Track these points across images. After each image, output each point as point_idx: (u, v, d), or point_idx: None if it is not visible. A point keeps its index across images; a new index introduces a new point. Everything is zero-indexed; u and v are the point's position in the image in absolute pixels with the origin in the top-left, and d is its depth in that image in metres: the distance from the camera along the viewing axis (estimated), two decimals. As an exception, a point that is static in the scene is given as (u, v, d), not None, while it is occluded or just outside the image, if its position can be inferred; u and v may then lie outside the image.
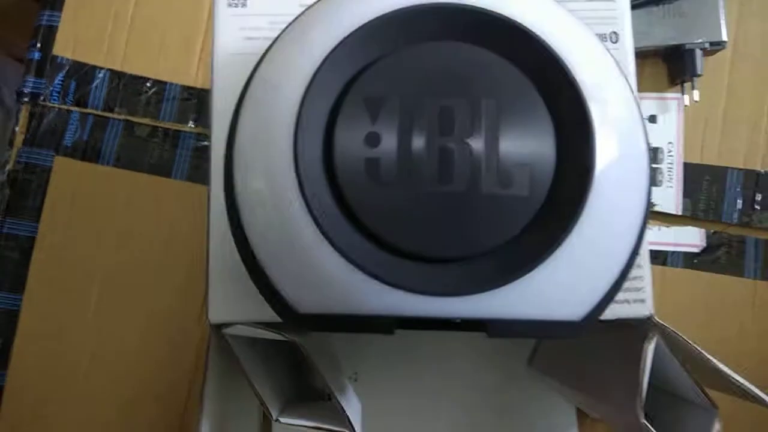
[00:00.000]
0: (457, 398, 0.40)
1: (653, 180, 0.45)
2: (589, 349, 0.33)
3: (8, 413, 0.43)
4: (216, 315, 0.27)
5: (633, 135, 0.23)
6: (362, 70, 0.23)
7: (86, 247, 0.44)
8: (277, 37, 0.25)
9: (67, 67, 0.46)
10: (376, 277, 0.21)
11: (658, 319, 0.28)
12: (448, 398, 0.40)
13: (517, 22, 0.22)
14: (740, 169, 0.45)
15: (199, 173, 0.45)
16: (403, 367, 0.40)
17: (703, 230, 0.45)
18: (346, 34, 0.23)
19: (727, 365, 0.27)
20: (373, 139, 0.22)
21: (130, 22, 0.47)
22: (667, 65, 0.47)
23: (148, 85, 0.46)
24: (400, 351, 0.40)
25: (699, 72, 0.44)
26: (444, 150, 0.22)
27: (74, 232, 0.44)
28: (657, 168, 0.45)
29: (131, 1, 0.47)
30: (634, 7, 0.44)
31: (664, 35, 0.45)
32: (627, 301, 0.28)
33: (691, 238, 0.45)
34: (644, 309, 0.28)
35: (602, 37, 0.30)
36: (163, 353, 0.43)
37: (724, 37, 0.44)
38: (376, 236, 0.21)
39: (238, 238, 0.24)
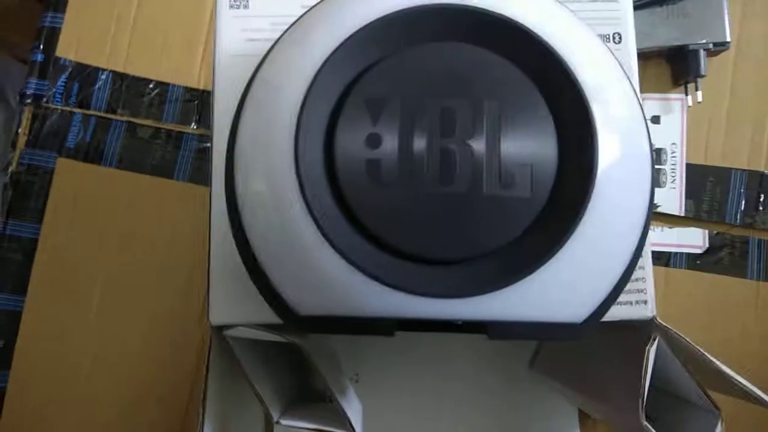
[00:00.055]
0: (458, 399, 0.40)
1: (656, 181, 0.45)
2: (591, 350, 0.33)
3: (10, 414, 0.43)
4: (217, 317, 0.27)
5: (635, 136, 0.23)
6: (363, 71, 0.23)
7: (88, 249, 0.44)
8: (279, 39, 0.25)
9: (70, 69, 0.46)
10: (376, 278, 0.21)
11: (660, 321, 0.27)
12: (449, 399, 0.40)
13: (518, 22, 0.22)
14: (744, 170, 0.45)
15: (201, 174, 0.45)
16: (404, 368, 0.40)
17: (706, 231, 0.45)
18: (347, 35, 0.23)
19: (729, 366, 0.27)
20: (374, 141, 0.22)
21: (132, 23, 0.47)
22: (670, 66, 0.47)
23: (151, 86, 0.46)
24: (402, 352, 0.40)
25: (702, 73, 0.44)
26: (445, 151, 0.22)
27: (77, 234, 0.44)
28: (660, 169, 0.45)
29: (134, 3, 0.47)
30: (637, 7, 0.44)
31: (667, 36, 0.45)
32: (629, 303, 0.27)
33: (694, 239, 0.44)
34: (646, 311, 0.28)
35: (605, 38, 0.30)
36: (165, 355, 0.43)
37: (728, 38, 0.44)
38: (376, 238, 0.21)
39: (239, 239, 0.24)
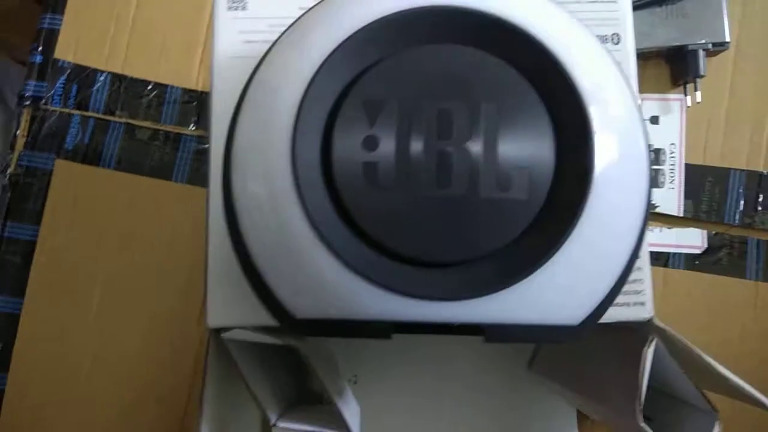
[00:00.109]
0: (457, 400, 0.40)
1: (655, 181, 0.45)
2: (589, 351, 0.33)
3: (9, 416, 0.43)
4: (214, 319, 0.27)
5: (633, 136, 0.23)
6: (361, 73, 0.23)
7: (87, 251, 0.44)
8: (276, 40, 0.25)
9: (69, 71, 0.46)
10: (373, 281, 0.21)
11: (658, 322, 0.27)
12: (448, 400, 0.40)
13: (515, 24, 0.22)
14: (743, 170, 0.45)
15: (200, 176, 0.45)
16: (402, 370, 0.40)
17: (704, 231, 0.45)
18: (345, 37, 0.23)
19: (728, 367, 0.27)
20: (371, 143, 0.22)
21: (131, 25, 0.47)
22: (669, 66, 0.46)
23: (149, 88, 0.46)
24: (400, 353, 0.40)
25: (702, 73, 0.44)
26: (442, 154, 0.21)
27: (75, 236, 0.44)
28: (659, 169, 0.45)
29: (132, 4, 0.47)
30: (636, 7, 0.44)
31: (666, 36, 0.45)
32: (627, 304, 0.27)
33: (692, 239, 0.44)
34: (644, 312, 0.28)
35: (604, 39, 0.30)
36: (164, 356, 0.43)
37: (727, 38, 0.44)
38: (373, 240, 0.21)
39: (236, 241, 0.23)
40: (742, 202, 0.45)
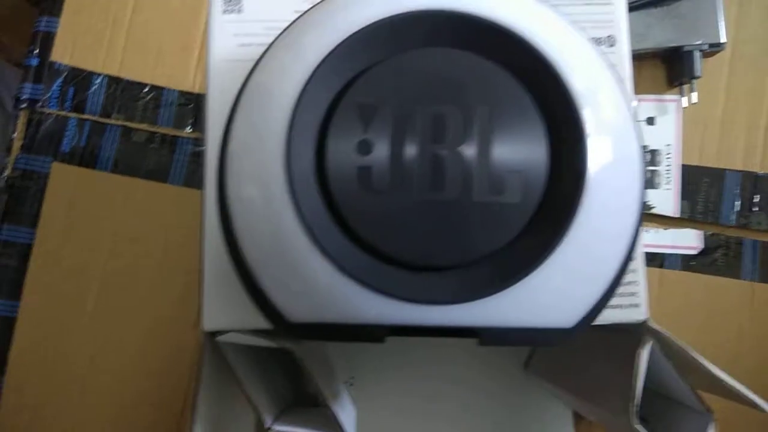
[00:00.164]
0: (453, 401, 0.40)
1: (651, 182, 0.45)
2: (585, 352, 0.33)
3: (6, 419, 0.43)
4: (210, 322, 0.27)
5: (626, 139, 0.23)
6: (355, 77, 0.23)
7: (84, 253, 0.44)
8: (272, 44, 0.25)
9: (65, 73, 0.46)
10: (367, 285, 0.21)
11: (652, 324, 0.27)
12: (444, 402, 0.40)
13: (509, 27, 0.22)
14: (738, 171, 0.45)
15: (196, 178, 0.45)
16: (399, 371, 0.40)
17: (700, 232, 0.45)
18: (339, 40, 0.23)
19: (724, 368, 0.27)
20: (365, 147, 0.22)
21: (127, 27, 0.47)
22: (665, 67, 0.47)
23: (146, 90, 0.46)
24: (397, 355, 0.40)
25: (697, 74, 0.44)
26: (436, 157, 0.22)
27: (72, 238, 0.44)
28: (655, 170, 0.45)
29: (129, 7, 0.47)
30: (632, 9, 0.44)
31: (662, 37, 0.45)
32: (621, 306, 0.28)
33: (688, 240, 0.44)
34: (639, 314, 0.28)
35: (599, 41, 0.30)
36: (161, 359, 0.43)
37: (723, 39, 0.44)
38: (368, 244, 0.21)
39: (230, 245, 0.24)
40: (737, 203, 0.45)
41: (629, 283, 0.28)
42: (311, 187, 0.21)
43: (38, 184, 0.45)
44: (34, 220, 0.44)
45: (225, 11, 0.30)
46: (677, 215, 0.45)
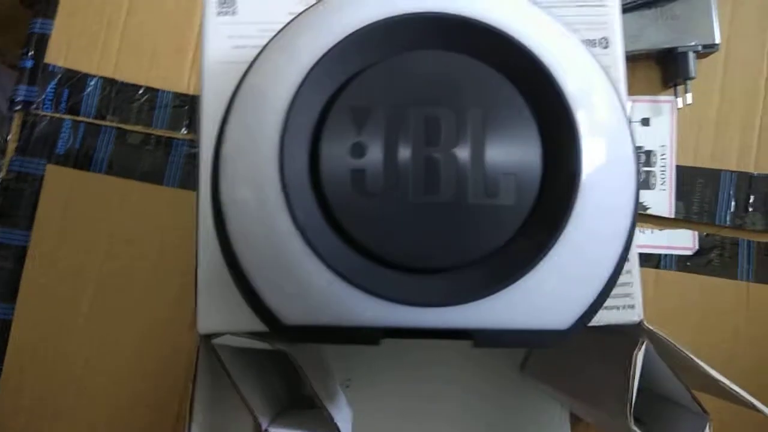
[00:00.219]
0: (450, 403, 0.40)
1: (646, 183, 0.45)
2: (581, 354, 0.33)
3: (2, 421, 0.43)
4: (205, 325, 0.27)
5: (619, 140, 0.23)
6: (348, 79, 0.23)
7: (79, 256, 0.44)
8: (266, 45, 0.25)
9: (60, 75, 0.46)
10: (362, 288, 0.21)
11: (648, 325, 0.27)
12: (441, 403, 0.40)
13: (502, 30, 0.22)
14: (733, 172, 0.45)
15: (191, 180, 0.45)
16: (396, 373, 0.40)
17: (696, 233, 0.45)
18: (333, 42, 0.23)
19: (720, 368, 0.27)
20: (358, 150, 0.22)
21: (122, 29, 0.47)
22: (660, 68, 0.47)
23: (141, 92, 0.46)
24: (393, 357, 0.40)
25: (692, 75, 0.44)
26: (430, 160, 0.22)
27: (67, 241, 0.44)
28: (650, 171, 0.45)
29: (123, 9, 0.47)
30: (627, 10, 0.44)
31: (657, 38, 0.45)
32: (616, 307, 0.28)
33: (684, 240, 0.45)
34: (634, 315, 0.28)
35: (592, 43, 0.30)
36: (157, 360, 0.43)
37: (717, 40, 0.45)
38: (362, 247, 0.21)
39: (224, 248, 0.23)
40: (732, 203, 0.45)
41: (624, 284, 0.28)
42: (305, 190, 0.21)
43: (33, 186, 0.45)
44: (29, 223, 0.44)
45: (219, 13, 0.30)
46: (672, 216, 0.45)
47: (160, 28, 0.46)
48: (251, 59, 0.25)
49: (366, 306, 0.21)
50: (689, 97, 0.45)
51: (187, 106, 0.46)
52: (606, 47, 0.30)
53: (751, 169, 0.45)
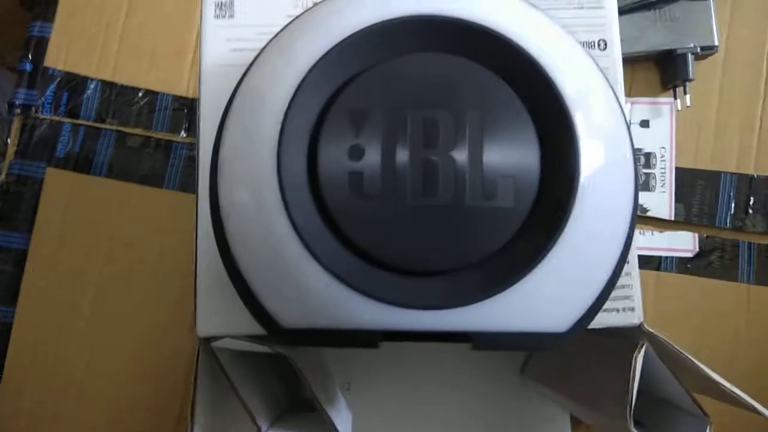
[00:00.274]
0: (450, 406, 0.40)
1: (646, 185, 0.45)
2: (581, 356, 0.33)
3: (2, 424, 0.43)
4: (204, 328, 0.27)
5: (618, 142, 0.23)
6: (346, 82, 0.23)
7: (79, 259, 0.44)
8: (264, 48, 0.25)
9: (59, 79, 0.46)
10: (360, 290, 0.21)
11: (648, 327, 0.27)
12: (441, 406, 0.40)
13: (499, 32, 0.22)
14: (733, 173, 0.45)
15: (191, 183, 0.45)
16: (396, 376, 0.40)
17: (696, 235, 0.45)
18: (331, 45, 0.23)
19: (720, 370, 0.27)
20: (356, 152, 0.22)
21: (121, 32, 0.47)
22: (659, 70, 0.47)
23: (140, 95, 0.46)
24: (394, 360, 0.40)
25: (691, 76, 0.44)
26: (428, 163, 0.22)
27: (67, 244, 0.44)
28: (650, 173, 0.45)
29: (122, 12, 0.47)
30: (626, 12, 0.44)
31: (656, 40, 0.45)
32: (616, 310, 0.27)
33: (684, 242, 0.45)
34: (633, 317, 0.28)
35: (590, 45, 0.30)
36: (157, 364, 0.43)
37: (716, 42, 0.45)
38: (360, 250, 0.21)
39: (223, 250, 0.23)
40: (733, 205, 0.45)
41: (624, 286, 0.28)
42: (303, 192, 0.21)
43: (33, 189, 0.45)
44: (28, 226, 0.44)
45: (217, 16, 0.30)
46: (672, 218, 0.45)
47: (159, 31, 0.46)
48: (249, 62, 0.25)
49: (364, 309, 0.21)
50: (688, 98, 0.45)
51: (187, 109, 0.46)
52: (604, 49, 0.30)
53: (751, 170, 0.45)
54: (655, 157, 0.45)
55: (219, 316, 0.27)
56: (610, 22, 0.30)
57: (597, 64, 0.24)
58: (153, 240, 0.44)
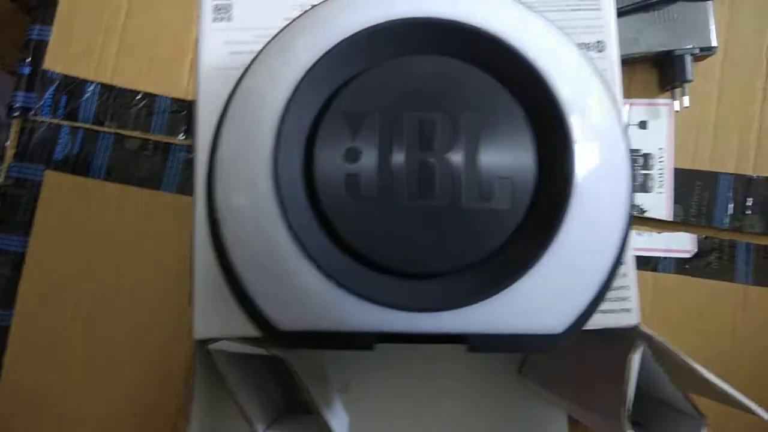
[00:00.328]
0: (448, 405, 0.40)
1: (644, 186, 0.45)
2: (577, 357, 0.33)
3: (0, 427, 0.43)
4: (201, 330, 0.27)
5: (613, 145, 0.23)
6: (343, 84, 0.23)
7: (77, 261, 0.44)
8: (260, 51, 0.25)
9: (58, 81, 0.46)
10: (356, 293, 0.21)
11: (644, 328, 0.27)
12: (439, 407, 0.40)
13: (495, 34, 0.22)
14: (731, 174, 0.45)
15: (189, 185, 0.45)
16: (394, 376, 0.40)
17: (694, 236, 0.45)
18: (327, 48, 0.23)
19: (718, 371, 0.27)
20: (352, 155, 0.22)
21: (120, 35, 0.47)
22: (657, 71, 0.47)
23: (139, 97, 0.46)
24: (392, 361, 0.40)
25: (689, 77, 0.44)
26: (424, 164, 0.22)
27: (65, 246, 0.44)
28: (648, 174, 0.45)
29: (121, 15, 0.47)
30: (624, 13, 0.44)
31: (654, 41, 0.45)
32: (613, 311, 0.28)
33: (682, 243, 0.45)
34: (630, 318, 0.28)
35: (587, 46, 0.30)
36: (154, 366, 0.43)
37: (714, 43, 0.45)
38: (356, 252, 0.21)
39: (219, 252, 0.24)
40: (731, 206, 0.45)
41: (620, 287, 0.28)
42: (299, 195, 0.21)
43: (31, 192, 0.45)
44: (27, 229, 0.44)
45: (215, 19, 0.30)
46: (670, 219, 0.45)
47: (158, 34, 0.47)
48: (247, 64, 0.25)
49: (360, 311, 0.21)
50: (687, 100, 0.45)
51: (185, 112, 0.46)
52: (601, 51, 0.30)
53: (749, 171, 0.45)
54: (653, 158, 0.45)
55: (216, 318, 0.27)
56: (607, 24, 0.30)
57: (594, 67, 0.24)
58: (151, 242, 0.44)
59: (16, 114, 0.46)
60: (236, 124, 0.24)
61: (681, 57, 0.44)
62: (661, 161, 0.45)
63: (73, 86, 0.46)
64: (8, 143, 0.45)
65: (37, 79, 0.46)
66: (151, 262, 0.44)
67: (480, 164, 0.22)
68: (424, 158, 0.22)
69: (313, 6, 0.25)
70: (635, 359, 0.26)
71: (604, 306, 0.25)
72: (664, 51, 0.45)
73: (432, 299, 0.21)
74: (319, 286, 0.21)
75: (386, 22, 0.23)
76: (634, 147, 0.45)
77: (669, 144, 0.46)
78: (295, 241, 0.21)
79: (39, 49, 0.47)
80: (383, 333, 0.21)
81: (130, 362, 0.43)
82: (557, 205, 0.21)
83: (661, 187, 0.45)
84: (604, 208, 0.22)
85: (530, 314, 0.22)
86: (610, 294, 0.26)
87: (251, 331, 0.24)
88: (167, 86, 0.46)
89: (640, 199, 0.45)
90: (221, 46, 0.30)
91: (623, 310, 0.28)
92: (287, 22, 0.25)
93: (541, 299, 0.22)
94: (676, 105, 0.45)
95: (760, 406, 0.27)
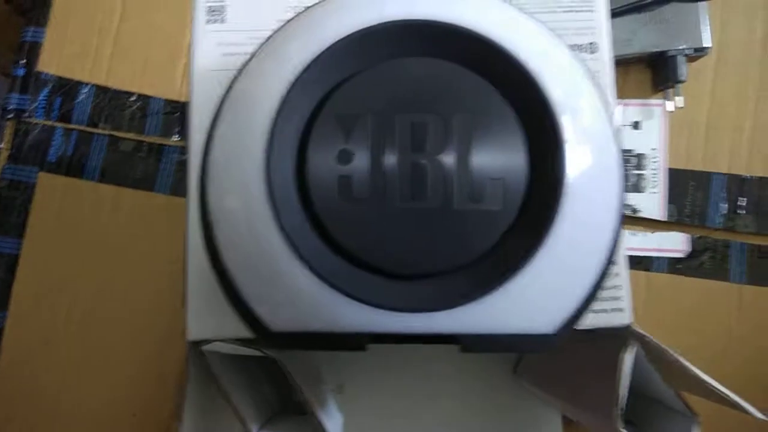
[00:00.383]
0: (443, 405, 0.40)
1: (637, 186, 0.45)
2: (571, 357, 0.33)
3: (-6, 430, 0.43)
4: (194, 332, 0.27)
5: (604, 145, 0.23)
6: (335, 86, 0.23)
7: (71, 263, 0.44)
8: (254, 53, 0.25)
9: (52, 83, 0.46)
10: (348, 294, 0.21)
11: (636, 328, 0.28)
12: (433, 406, 0.40)
13: (486, 36, 0.22)
14: (724, 174, 0.45)
15: (183, 187, 0.44)
16: (388, 378, 0.40)
17: (687, 235, 0.45)
18: (320, 50, 0.23)
19: (711, 370, 0.27)
20: (345, 157, 0.22)
21: (114, 37, 0.47)
22: (651, 71, 0.47)
23: (133, 99, 0.46)
24: (386, 361, 0.40)
25: (682, 78, 0.45)
26: (416, 166, 0.22)
27: (59, 248, 0.44)
28: (641, 174, 0.45)
29: (116, 16, 0.47)
30: (617, 14, 0.44)
31: (647, 42, 0.45)
32: (605, 310, 0.28)
33: (675, 243, 0.45)
34: (623, 318, 0.28)
35: (580, 48, 0.30)
36: (149, 367, 0.43)
37: (707, 44, 0.45)
38: (348, 253, 0.21)
39: (211, 254, 0.24)
40: (724, 206, 0.45)
41: (613, 287, 0.28)
42: (291, 197, 0.22)
43: (25, 194, 0.45)
44: (20, 231, 0.44)
45: (209, 20, 0.30)
46: (664, 219, 0.45)
47: (152, 35, 0.47)
48: (240, 66, 0.25)
49: (353, 312, 0.21)
50: (680, 100, 0.45)
51: (179, 113, 0.46)
52: (594, 52, 0.30)
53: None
54: (646, 158, 0.46)
55: (209, 319, 0.27)
56: (600, 25, 0.30)
57: (585, 68, 0.24)
58: (145, 244, 0.44)
59: (10, 116, 0.46)
60: (229, 126, 0.24)
61: (674, 58, 0.45)
62: (654, 161, 0.45)
63: (67, 88, 0.46)
64: (2, 145, 0.45)
65: (32, 80, 0.46)
66: (145, 264, 0.44)
67: (472, 165, 0.22)
68: (417, 160, 0.22)
69: (306, 8, 0.25)
70: (628, 358, 0.26)
71: (596, 306, 0.25)
72: (657, 52, 0.45)
73: (424, 300, 0.21)
74: (312, 288, 0.21)
75: (378, 25, 0.23)
76: (628, 147, 0.46)
77: (662, 144, 0.46)
78: (288, 243, 0.21)
79: (33, 50, 0.46)
80: (376, 334, 0.21)
81: (124, 363, 0.43)
82: (548, 206, 0.21)
83: (654, 187, 0.45)
84: (595, 208, 0.22)
85: (522, 314, 0.22)
86: (603, 294, 0.26)
87: (244, 332, 0.24)
88: (161, 88, 0.46)
89: (634, 199, 0.45)
90: (215, 47, 0.30)
91: (616, 310, 0.28)
92: (280, 24, 0.25)
93: (533, 299, 0.22)
94: (670, 105, 0.46)
95: (753, 405, 0.27)
